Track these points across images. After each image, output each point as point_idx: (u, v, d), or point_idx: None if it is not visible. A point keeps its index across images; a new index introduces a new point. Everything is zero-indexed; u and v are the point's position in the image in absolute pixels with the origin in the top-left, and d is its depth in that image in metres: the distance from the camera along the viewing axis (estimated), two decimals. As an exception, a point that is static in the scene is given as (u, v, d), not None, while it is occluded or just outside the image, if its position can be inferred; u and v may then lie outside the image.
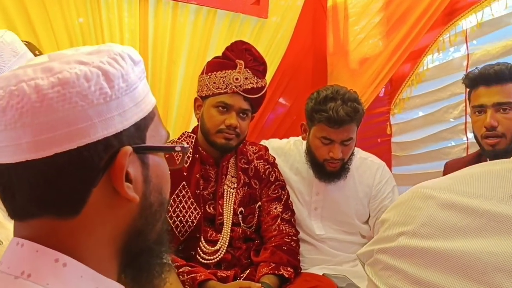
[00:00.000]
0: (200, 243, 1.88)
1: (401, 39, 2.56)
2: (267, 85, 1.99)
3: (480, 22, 2.37)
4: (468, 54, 2.43)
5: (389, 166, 2.75)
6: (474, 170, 0.79)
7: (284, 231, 1.98)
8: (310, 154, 2.10)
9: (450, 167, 2.08)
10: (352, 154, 2.11)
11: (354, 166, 2.18)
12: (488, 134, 1.84)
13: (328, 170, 2.07)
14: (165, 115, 2.52)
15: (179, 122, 2.56)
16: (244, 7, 2.58)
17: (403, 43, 2.56)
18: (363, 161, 2.24)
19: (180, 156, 0.77)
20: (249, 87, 1.89)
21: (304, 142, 2.16)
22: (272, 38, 2.73)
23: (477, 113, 1.89)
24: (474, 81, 1.89)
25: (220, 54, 2.35)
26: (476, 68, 1.93)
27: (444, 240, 0.72)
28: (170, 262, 0.77)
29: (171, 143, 1.97)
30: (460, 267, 0.69)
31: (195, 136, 2.00)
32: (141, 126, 0.66)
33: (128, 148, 0.63)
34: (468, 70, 2.31)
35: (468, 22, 2.44)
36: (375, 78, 2.66)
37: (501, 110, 1.82)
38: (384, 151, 2.81)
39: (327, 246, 2.18)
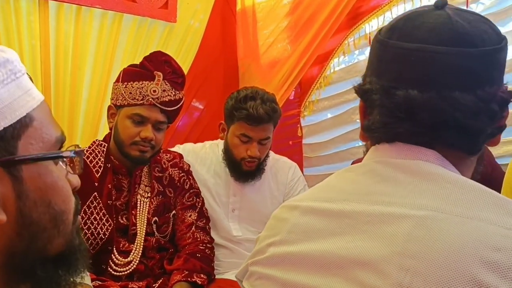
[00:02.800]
0: (112, 255, 1.82)
1: (308, 42, 2.63)
2: (184, 96, 1.96)
3: (381, 26, 2.47)
4: (371, 57, 2.52)
5: (301, 167, 2.81)
6: (332, 179, 0.85)
7: (199, 239, 1.96)
8: (228, 153, 2.14)
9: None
10: (268, 155, 2.18)
11: (268, 166, 2.25)
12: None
13: (245, 170, 2.12)
14: (71, 123, 2.43)
15: (86, 129, 2.47)
16: (151, 11, 2.53)
17: (310, 47, 2.63)
18: (276, 162, 2.31)
19: (78, 161, 0.71)
20: (167, 100, 1.85)
21: (221, 143, 2.21)
22: (181, 42, 2.71)
23: None
24: None
25: (128, 59, 2.30)
26: None
27: (308, 242, 0.77)
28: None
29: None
30: (322, 265, 0.73)
31: (106, 144, 1.93)
32: (8, 136, 0.60)
33: None
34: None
35: (370, 26, 2.55)
36: (285, 81, 2.72)
37: None
38: (295, 153, 2.86)
39: (243, 249, 2.19)
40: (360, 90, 0.84)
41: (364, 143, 0.89)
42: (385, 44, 0.79)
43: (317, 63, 2.75)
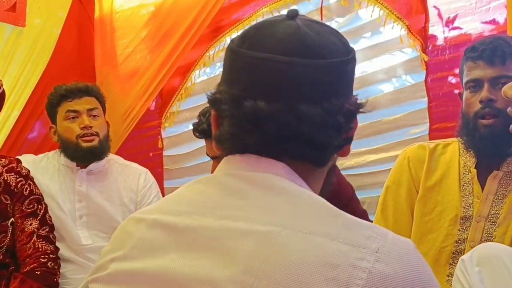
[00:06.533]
0: None
1: (168, 53, 2.62)
2: (3, 86, 1.86)
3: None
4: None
5: (161, 179, 2.78)
6: (182, 190, 0.82)
7: (40, 249, 1.83)
8: (65, 144, 2.10)
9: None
10: (108, 142, 2.15)
11: (117, 171, 2.20)
12: None
13: (85, 147, 2.06)
14: None
15: None
16: (-4, 13, 2.38)
17: (170, 58, 2.62)
18: (125, 167, 2.26)
19: None
20: None
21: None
22: (32, 47, 2.58)
23: None
24: None
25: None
26: None
27: (151, 258, 0.73)
28: None
29: None
30: (164, 283, 0.70)
31: None
32: None
33: None
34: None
35: (231, 38, 2.60)
36: (145, 92, 2.68)
37: None
38: (156, 165, 2.81)
39: (93, 263, 2.08)
40: (212, 99, 0.80)
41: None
42: (236, 53, 0.76)
43: (179, 74, 2.74)
